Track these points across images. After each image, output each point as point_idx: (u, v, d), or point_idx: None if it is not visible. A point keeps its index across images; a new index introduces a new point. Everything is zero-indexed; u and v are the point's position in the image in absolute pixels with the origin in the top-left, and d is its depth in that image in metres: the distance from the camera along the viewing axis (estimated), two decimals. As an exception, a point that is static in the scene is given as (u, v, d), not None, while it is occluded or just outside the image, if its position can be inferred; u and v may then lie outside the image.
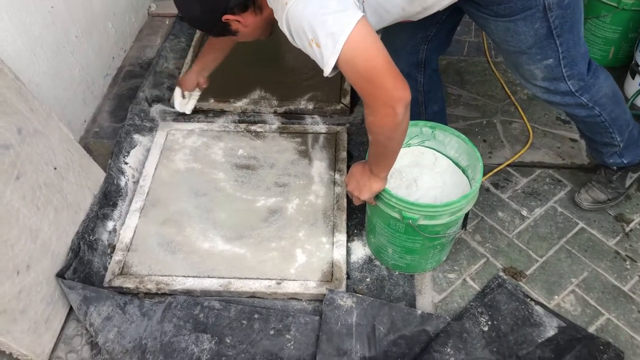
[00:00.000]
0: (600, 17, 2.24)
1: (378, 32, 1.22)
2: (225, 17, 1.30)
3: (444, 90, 1.81)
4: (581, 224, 1.76)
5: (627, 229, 1.75)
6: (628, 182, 1.73)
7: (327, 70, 1.14)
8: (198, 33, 2.49)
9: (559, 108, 1.55)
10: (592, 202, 1.74)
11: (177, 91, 1.98)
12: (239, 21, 1.32)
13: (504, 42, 1.36)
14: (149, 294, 1.57)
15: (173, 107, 2.03)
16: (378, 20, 1.30)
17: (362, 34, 1.11)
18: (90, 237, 1.63)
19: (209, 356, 1.41)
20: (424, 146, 1.59)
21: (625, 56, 2.30)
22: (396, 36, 1.57)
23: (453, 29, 1.62)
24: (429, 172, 1.57)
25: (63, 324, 1.51)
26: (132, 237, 1.68)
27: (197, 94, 2.00)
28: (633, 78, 2.17)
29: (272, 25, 1.36)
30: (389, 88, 1.14)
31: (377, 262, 1.65)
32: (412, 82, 1.62)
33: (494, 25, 1.34)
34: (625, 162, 1.68)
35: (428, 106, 1.77)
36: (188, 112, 2.03)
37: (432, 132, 1.56)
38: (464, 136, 1.51)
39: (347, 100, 2.14)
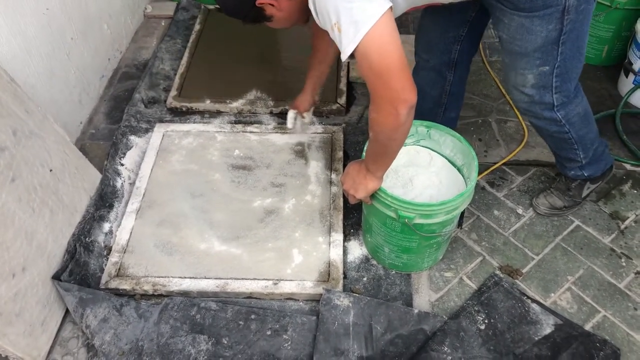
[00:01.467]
0: (594, 16, 2.25)
1: (405, 22, 1.23)
2: (259, 1, 1.26)
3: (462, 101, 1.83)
4: (576, 222, 1.77)
5: (622, 227, 1.76)
6: (585, 193, 1.75)
7: (344, 57, 1.15)
8: (194, 34, 2.50)
9: (531, 120, 1.55)
10: (549, 208, 1.76)
11: (292, 113, 1.90)
12: (272, 5, 1.28)
13: (511, 40, 1.36)
14: (145, 296, 1.56)
15: (290, 130, 1.95)
16: (411, 1, 1.31)
17: (384, 28, 1.11)
18: (86, 239, 1.63)
19: (205, 357, 1.41)
20: (420, 145, 1.60)
21: (618, 55, 2.31)
22: (429, 32, 1.60)
23: (481, 33, 1.64)
24: (425, 171, 1.57)
25: (59, 327, 1.50)
26: (129, 239, 1.68)
27: (310, 114, 1.93)
28: (626, 76, 2.18)
29: (308, 10, 1.32)
30: (396, 88, 1.15)
31: (374, 262, 1.65)
32: (441, 80, 1.67)
33: (509, 19, 1.33)
34: (585, 174, 1.70)
35: (448, 110, 1.78)
36: (300, 131, 1.98)
37: (428, 131, 1.56)
38: (459, 135, 1.52)
39: (343, 100, 2.15)
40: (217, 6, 1.36)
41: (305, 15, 1.32)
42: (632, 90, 2.15)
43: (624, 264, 1.66)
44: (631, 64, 2.14)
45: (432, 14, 1.56)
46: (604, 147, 1.68)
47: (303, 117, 1.91)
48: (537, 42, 1.32)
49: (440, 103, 1.75)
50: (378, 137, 1.27)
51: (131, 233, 1.69)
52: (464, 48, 1.61)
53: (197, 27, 2.54)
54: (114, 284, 1.55)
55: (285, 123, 2.05)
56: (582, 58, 1.41)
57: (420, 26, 1.63)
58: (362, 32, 1.09)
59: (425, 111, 1.76)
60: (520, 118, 2.13)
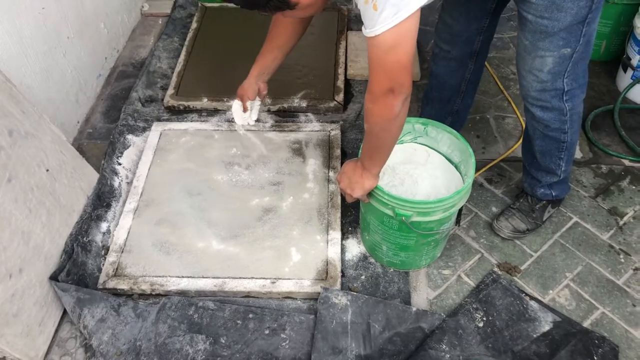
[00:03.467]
0: (593, 11, 2.24)
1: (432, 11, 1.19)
2: None
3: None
4: (575, 218, 1.76)
5: (621, 223, 1.75)
6: (546, 216, 1.72)
7: (369, 34, 1.12)
8: (191, 32, 2.49)
9: (536, 112, 1.51)
10: (512, 231, 1.70)
11: (236, 104, 1.78)
12: None
13: (537, 20, 1.32)
14: (143, 295, 1.56)
15: (233, 121, 1.86)
16: None
17: (414, 21, 1.11)
18: (84, 239, 1.63)
19: (203, 357, 1.41)
20: (417, 143, 1.59)
21: (616, 50, 2.30)
22: (452, 26, 1.59)
23: (498, 20, 1.63)
24: (422, 168, 1.57)
25: (57, 327, 1.50)
26: (126, 238, 1.67)
27: (257, 102, 1.82)
28: (625, 72, 2.17)
29: None
30: (398, 82, 1.16)
31: (372, 260, 1.65)
32: (461, 70, 1.67)
33: None
34: (553, 194, 1.68)
35: (466, 97, 1.77)
36: (252, 123, 1.86)
37: (425, 128, 1.55)
38: (456, 132, 1.51)
39: (340, 97, 2.14)
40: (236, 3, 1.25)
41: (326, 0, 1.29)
42: (631, 86, 2.14)
43: (622, 260, 1.65)
44: (629, 59, 2.13)
45: (453, 6, 1.55)
46: (571, 169, 1.69)
47: (245, 110, 1.78)
48: (566, 21, 1.29)
49: (459, 91, 1.74)
50: (373, 128, 1.27)
51: (129, 232, 1.69)
52: (486, 37, 1.61)
53: (194, 25, 2.54)
54: (111, 284, 1.55)
55: (282, 121, 2.05)
56: (593, 43, 1.40)
57: (441, 19, 1.61)
58: (399, 17, 1.08)
59: (444, 99, 1.77)
60: (519, 114, 2.13)
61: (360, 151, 1.43)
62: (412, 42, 1.13)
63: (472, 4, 1.51)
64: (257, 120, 1.89)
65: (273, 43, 1.64)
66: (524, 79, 1.46)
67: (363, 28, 1.14)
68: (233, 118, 1.77)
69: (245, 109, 1.77)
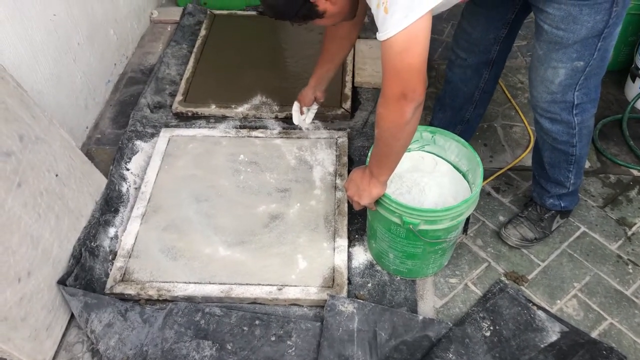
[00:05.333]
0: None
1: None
2: None
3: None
4: (583, 228, 1.76)
5: (630, 233, 1.74)
6: (554, 226, 1.72)
7: (381, 38, 1.14)
8: (200, 39, 2.51)
9: (545, 124, 1.51)
10: (520, 239, 1.69)
11: (296, 106, 1.92)
12: (330, 0, 1.23)
13: (553, 30, 1.32)
14: (150, 301, 1.57)
15: (292, 122, 1.98)
16: None
17: (425, 24, 1.11)
18: (92, 244, 1.63)
19: (210, 362, 1.41)
20: (424, 151, 1.59)
21: (625, 60, 2.30)
22: (471, 33, 1.59)
23: (518, 32, 1.63)
24: (430, 176, 1.57)
25: (64, 331, 1.51)
26: (134, 244, 1.68)
27: (314, 107, 1.94)
28: (633, 81, 2.17)
29: (357, 3, 1.30)
30: (410, 87, 1.17)
31: (379, 268, 1.65)
32: (476, 78, 1.67)
33: (555, 9, 1.29)
34: (562, 205, 1.68)
35: (478, 106, 1.78)
36: (306, 126, 2.01)
37: (432, 136, 1.56)
38: (463, 140, 1.51)
39: (347, 105, 2.15)
40: (260, 10, 1.29)
41: (355, 8, 1.31)
42: (639, 96, 2.14)
43: (630, 270, 1.64)
44: (638, 69, 2.13)
45: (473, 15, 1.56)
46: (581, 181, 1.69)
47: (302, 113, 1.93)
48: (581, 34, 1.29)
49: (472, 100, 1.74)
50: (383, 134, 1.27)
51: (136, 238, 1.70)
52: (503, 48, 1.61)
53: (202, 32, 2.56)
54: (119, 289, 1.56)
55: (289, 128, 2.06)
56: (608, 60, 1.40)
57: (460, 26, 1.62)
58: (410, 19, 1.09)
59: (456, 106, 1.77)
60: (526, 122, 2.12)
61: (368, 158, 1.43)
62: (423, 45, 1.13)
63: (491, 13, 1.52)
64: (313, 121, 2.03)
65: (325, 57, 1.72)
66: (535, 89, 1.46)
67: (377, 33, 1.15)
68: (291, 115, 1.95)
69: (302, 112, 1.93)
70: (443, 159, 1.58)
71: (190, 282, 1.58)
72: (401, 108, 1.19)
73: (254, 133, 2.05)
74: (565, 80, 1.38)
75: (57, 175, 1.55)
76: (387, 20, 1.10)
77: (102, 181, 1.78)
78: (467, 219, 1.47)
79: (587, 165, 1.95)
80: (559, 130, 1.50)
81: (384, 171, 1.36)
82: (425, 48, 1.14)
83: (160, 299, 1.56)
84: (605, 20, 1.27)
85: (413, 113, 1.20)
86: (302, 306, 1.56)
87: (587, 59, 1.34)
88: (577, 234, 1.74)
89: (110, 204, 1.77)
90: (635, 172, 1.94)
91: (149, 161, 1.94)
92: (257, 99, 2.20)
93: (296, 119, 1.94)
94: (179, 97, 2.19)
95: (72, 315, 1.52)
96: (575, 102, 1.43)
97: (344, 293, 1.54)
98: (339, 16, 1.29)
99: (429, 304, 1.57)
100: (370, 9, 1.18)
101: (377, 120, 1.27)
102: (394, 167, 1.36)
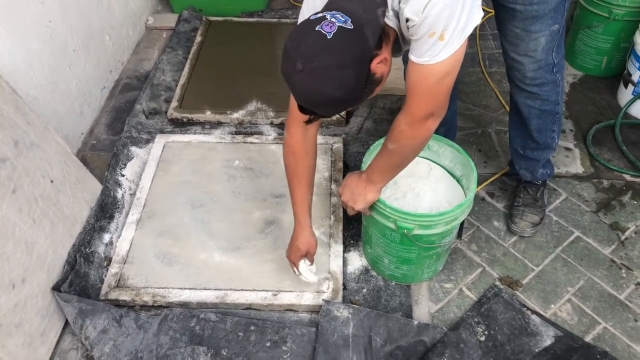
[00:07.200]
0: (592, 28, 2.27)
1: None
2: (373, 63, 1.06)
3: None
4: (577, 233, 1.77)
5: (622, 238, 1.75)
6: (546, 199, 1.80)
7: (427, 62, 1.08)
8: (195, 46, 2.51)
9: (533, 90, 1.54)
10: (532, 227, 1.74)
11: (304, 266, 1.50)
12: (385, 59, 1.10)
13: (527, 8, 1.37)
14: (145, 307, 1.56)
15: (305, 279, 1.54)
16: None
17: (465, 46, 1.11)
18: (87, 250, 1.63)
19: (205, 368, 1.40)
20: (419, 156, 1.60)
21: (617, 66, 2.32)
22: None
23: None
24: (424, 182, 1.58)
25: (58, 338, 1.50)
26: (129, 249, 1.68)
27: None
28: (626, 87, 2.19)
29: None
30: (441, 105, 1.18)
31: (374, 273, 1.65)
32: None
33: None
34: (548, 173, 1.78)
35: (451, 104, 1.77)
36: (315, 276, 1.55)
37: (427, 142, 1.57)
38: (457, 146, 1.52)
39: (342, 111, 2.15)
40: (310, 118, 1.15)
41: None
42: (632, 101, 2.16)
43: (624, 275, 1.65)
44: (630, 75, 2.15)
45: None
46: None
47: (312, 262, 1.53)
48: (553, 1, 1.36)
49: None
50: (403, 150, 1.28)
51: (131, 244, 1.70)
52: None
53: (198, 38, 2.57)
54: (113, 295, 1.55)
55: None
56: None
57: None
58: (459, 42, 1.07)
59: None
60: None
61: (363, 164, 1.44)
62: (459, 66, 1.14)
63: None
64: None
65: (303, 182, 1.43)
66: (519, 64, 1.49)
67: (414, 56, 1.10)
68: (303, 278, 1.52)
69: (311, 263, 1.53)
70: (437, 164, 1.59)
71: (185, 288, 1.58)
72: (428, 126, 1.20)
73: (249, 139, 2.05)
74: (546, 45, 1.44)
75: (52, 181, 1.55)
76: (439, 46, 1.06)
77: (97, 187, 1.78)
78: (462, 224, 1.48)
79: (580, 170, 1.97)
80: (548, 91, 1.55)
81: (386, 179, 1.38)
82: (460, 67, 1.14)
83: (155, 305, 1.56)
84: None
85: (436, 127, 1.23)
86: (297, 311, 1.56)
87: (560, 21, 1.41)
88: (571, 238, 1.75)
89: (105, 210, 1.77)
90: (628, 177, 1.95)
91: (144, 167, 1.94)
92: (252, 105, 2.20)
93: (311, 276, 1.52)
94: (174, 103, 2.20)
95: (67, 322, 1.52)
96: (555, 62, 1.49)
97: (339, 298, 1.55)
98: (388, 72, 1.16)
99: (423, 309, 1.58)
100: (401, 36, 1.14)
101: (396, 136, 1.25)
102: (395, 175, 1.38)
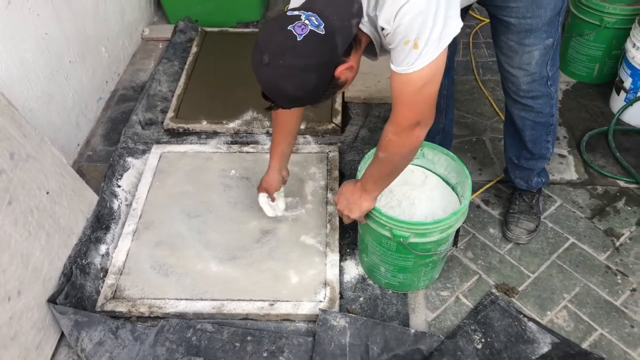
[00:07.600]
0: (584, 35, 2.29)
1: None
2: (338, 69, 1.11)
3: None
4: (572, 239, 1.77)
5: (617, 244, 1.76)
6: (541, 206, 1.81)
7: (405, 71, 1.10)
8: (191, 56, 2.53)
9: (527, 102, 1.56)
10: (528, 234, 1.74)
11: (263, 197, 1.68)
12: (351, 67, 1.14)
13: (521, 21, 1.38)
14: (141, 318, 1.56)
15: (271, 216, 1.73)
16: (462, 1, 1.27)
17: (445, 55, 1.12)
18: (83, 261, 1.63)
19: (202, 379, 1.40)
20: (414, 164, 1.61)
21: (609, 73, 2.35)
22: None
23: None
24: (419, 190, 1.58)
25: (54, 351, 1.49)
26: (125, 260, 1.68)
27: (282, 191, 1.74)
28: (618, 94, 2.21)
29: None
30: (427, 115, 1.19)
31: (370, 282, 1.65)
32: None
33: (517, 1, 1.36)
34: (543, 181, 1.79)
35: (447, 113, 1.82)
36: (282, 213, 1.75)
37: (422, 150, 1.58)
38: (452, 154, 1.53)
39: (338, 120, 2.17)
40: (272, 106, 1.22)
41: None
42: (624, 108, 2.18)
43: (619, 281, 1.66)
44: (622, 81, 2.17)
45: None
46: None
47: (272, 201, 1.71)
48: (546, 15, 1.38)
49: (440, 109, 1.77)
50: (392, 158, 1.29)
51: (127, 255, 1.69)
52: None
53: (194, 49, 2.58)
54: (110, 307, 1.55)
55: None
56: None
57: None
58: (438, 51, 1.08)
59: None
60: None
61: (359, 173, 1.45)
62: (441, 75, 1.15)
63: None
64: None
65: (283, 131, 1.57)
66: (513, 76, 1.51)
67: (394, 65, 1.13)
68: (262, 209, 1.70)
69: (273, 200, 1.71)
70: (432, 172, 1.60)
71: (181, 299, 1.58)
72: (415, 134, 1.22)
73: (245, 148, 2.06)
74: (540, 59, 1.46)
75: (48, 193, 1.55)
76: (416, 54, 1.08)
77: (94, 198, 1.78)
78: (457, 232, 1.49)
79: (575, 177, 1.98)
80: (542, 104, 1.56)
81: (380, 188, 1.38)
82: (441, 77, 1.15)
83: (152, 316, 1.55)
84: None
85: (423, 138, 1.24)
86: (294, 321, 1.56)
87: (554, 35, 1.43)
88: (566, 245, 1.76)
89: (102, 221, 1.77)
90: (622, 183, 1.96)
91: (140, 178, 1.94)
92: (248, 115, 2.21)
93: (270, 210, 1.70)
94: (170, 114, 2.21)
95: (62, 334, 1.51)
96: (549, 75, 1.51)
97: (336, 307, 1.54)
98: (353, 77, 1.22)
99: (420, 317, 1.58)
100: (378, 43, 1.17)
101: (385, 145, 1.26)
102: (389, 184, 1.39)
